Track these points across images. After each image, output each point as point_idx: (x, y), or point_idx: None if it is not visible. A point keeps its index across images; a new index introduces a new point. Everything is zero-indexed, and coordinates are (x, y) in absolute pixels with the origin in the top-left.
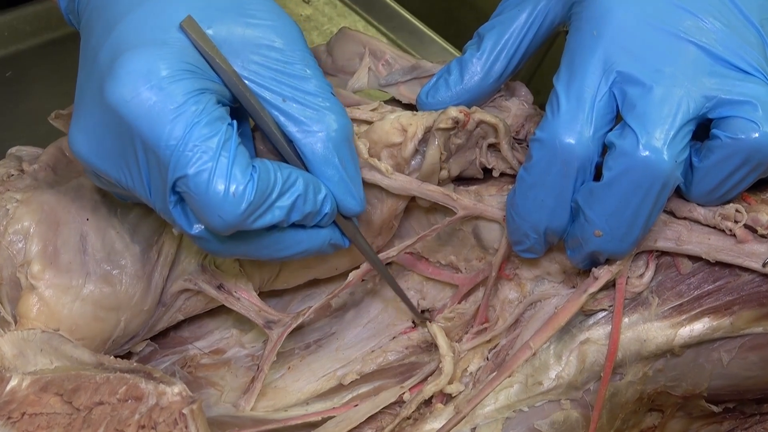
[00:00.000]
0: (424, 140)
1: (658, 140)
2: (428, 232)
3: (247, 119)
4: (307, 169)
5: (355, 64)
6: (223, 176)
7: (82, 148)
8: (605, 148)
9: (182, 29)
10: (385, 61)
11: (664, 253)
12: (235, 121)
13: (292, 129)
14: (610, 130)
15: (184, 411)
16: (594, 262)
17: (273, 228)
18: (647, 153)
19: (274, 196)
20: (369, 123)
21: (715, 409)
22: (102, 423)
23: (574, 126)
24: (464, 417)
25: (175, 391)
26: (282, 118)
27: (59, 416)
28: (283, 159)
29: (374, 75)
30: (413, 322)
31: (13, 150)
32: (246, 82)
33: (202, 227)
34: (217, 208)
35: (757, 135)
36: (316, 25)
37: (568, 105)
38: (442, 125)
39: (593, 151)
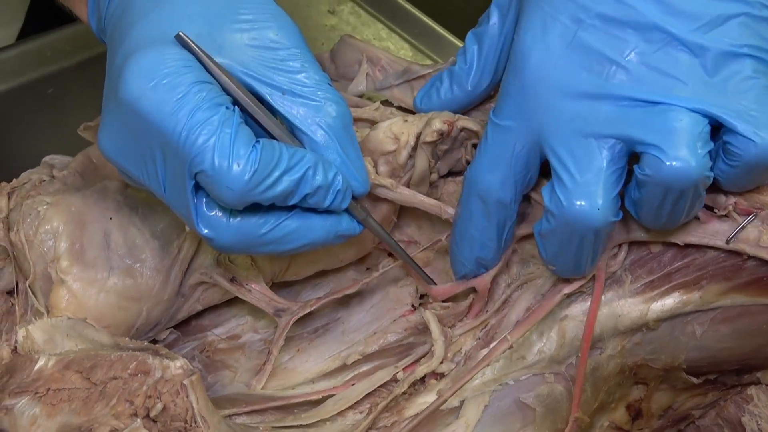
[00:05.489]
0: (415, 147)
1: (586, 196)
2: (430, 244)
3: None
4: None
5: (355, 70)
6: (226, 149)
7: (107, 149)
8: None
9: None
10: (381, 67)
11: None
12: (236, 108)
13: (293, 120)
14: (527, 173)
15: (185, 382)
16: None
17: (282, 216)
18: (577, 207)
19: (282, 167)
20: (372, 121)
21: (694, 380)
22: (115, 395)
23: (494, 173)
24: (445, 401)
25: (177, 365)
26: (282, 111)
27: (79, 390)
28: None
29: (371, 79)
30: (412, 305)
31: (47, 158)
32: (245, 78)
33: (207, 231)
34: (225, 179)
35: (665, 169)
36: (341, 34)
37: (488, 155)
38: (428, 139)
39: (511, 197)
